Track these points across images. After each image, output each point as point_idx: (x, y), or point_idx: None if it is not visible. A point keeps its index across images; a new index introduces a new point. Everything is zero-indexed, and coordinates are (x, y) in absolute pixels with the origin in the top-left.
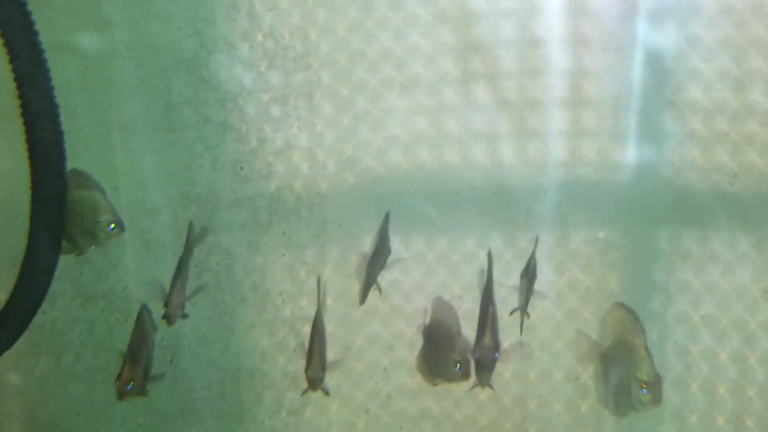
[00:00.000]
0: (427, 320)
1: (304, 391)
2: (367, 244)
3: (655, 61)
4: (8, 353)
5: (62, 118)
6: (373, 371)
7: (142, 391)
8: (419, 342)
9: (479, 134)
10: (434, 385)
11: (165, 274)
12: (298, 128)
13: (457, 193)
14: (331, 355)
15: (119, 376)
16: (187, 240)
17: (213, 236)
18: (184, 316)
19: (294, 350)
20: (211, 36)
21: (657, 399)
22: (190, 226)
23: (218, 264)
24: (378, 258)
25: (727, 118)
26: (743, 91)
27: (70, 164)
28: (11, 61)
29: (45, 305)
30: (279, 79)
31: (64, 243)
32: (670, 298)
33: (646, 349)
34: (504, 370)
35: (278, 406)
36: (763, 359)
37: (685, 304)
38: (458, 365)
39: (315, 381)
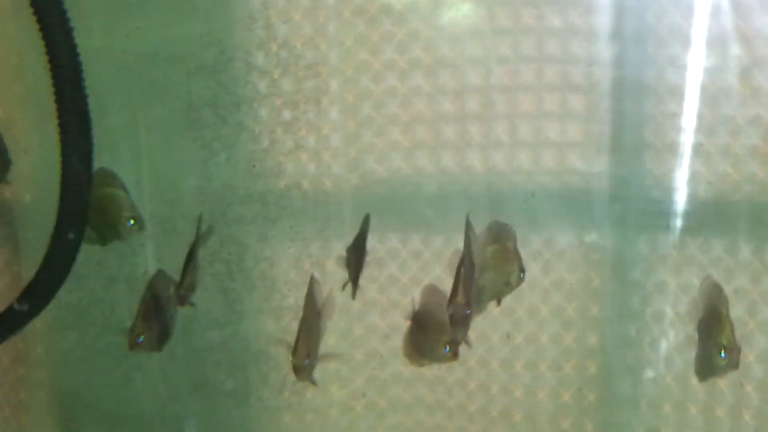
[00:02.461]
0: (417, 306)
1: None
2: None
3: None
4: (37, 327)
5: (95, 115)
6: (370, 359)
7: (154, 346)
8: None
9: (474, 143)
10: (421, 366)
11: (181, 260)
12: (307, 131)
13: (452, 196)
14: (331, 341)
15: (131, 329)
16: (198, 230)
17: (226, 228)
18: (191, 304)
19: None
20: (231, 44)
21: (733, 364)
22: (200, 217)
23: (230, 254)
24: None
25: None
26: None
27: (99, 159)
28: (52, 69)
29: (72, 285)
30: (290, 86)
31: (90, 234)
32: (648, 297)
33: (728, 316)
34: (492, 360)
35: (282, 387)
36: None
37: (662, 303)
38: (448, 346)
39: (298, 369)
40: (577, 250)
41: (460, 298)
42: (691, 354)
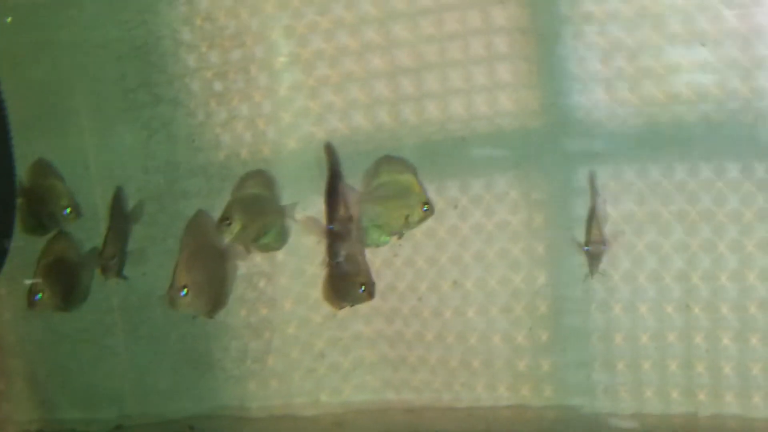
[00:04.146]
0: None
1: None
2: (311, 203)
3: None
4: (6, 318)
5: (40, 108)
6: (328, 321)
7: (58, 306)
8: None
9: (407, 96)
10: (340, 308)
11: (133, 238)
12: (239, 101)
13: (391, 151)
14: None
15: (29, 289)
16: (112, 201)
17: (174, 204)
18: (123, 277)
19: None
20: (157, 23)
21: (596, 256)
22: (115, 192)
23: (180, 229)
24: None
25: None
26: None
27: (47, 148)
28: None
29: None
30: (218, 57)
31: (31, 224)
32: None
33: (594, 211)
34: (445, 310)
35: (243, 355)
36: (678, 277)
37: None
38: (363, 287)
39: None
40: (516, 191)
41: (343, 212)
42: (637, 283)
